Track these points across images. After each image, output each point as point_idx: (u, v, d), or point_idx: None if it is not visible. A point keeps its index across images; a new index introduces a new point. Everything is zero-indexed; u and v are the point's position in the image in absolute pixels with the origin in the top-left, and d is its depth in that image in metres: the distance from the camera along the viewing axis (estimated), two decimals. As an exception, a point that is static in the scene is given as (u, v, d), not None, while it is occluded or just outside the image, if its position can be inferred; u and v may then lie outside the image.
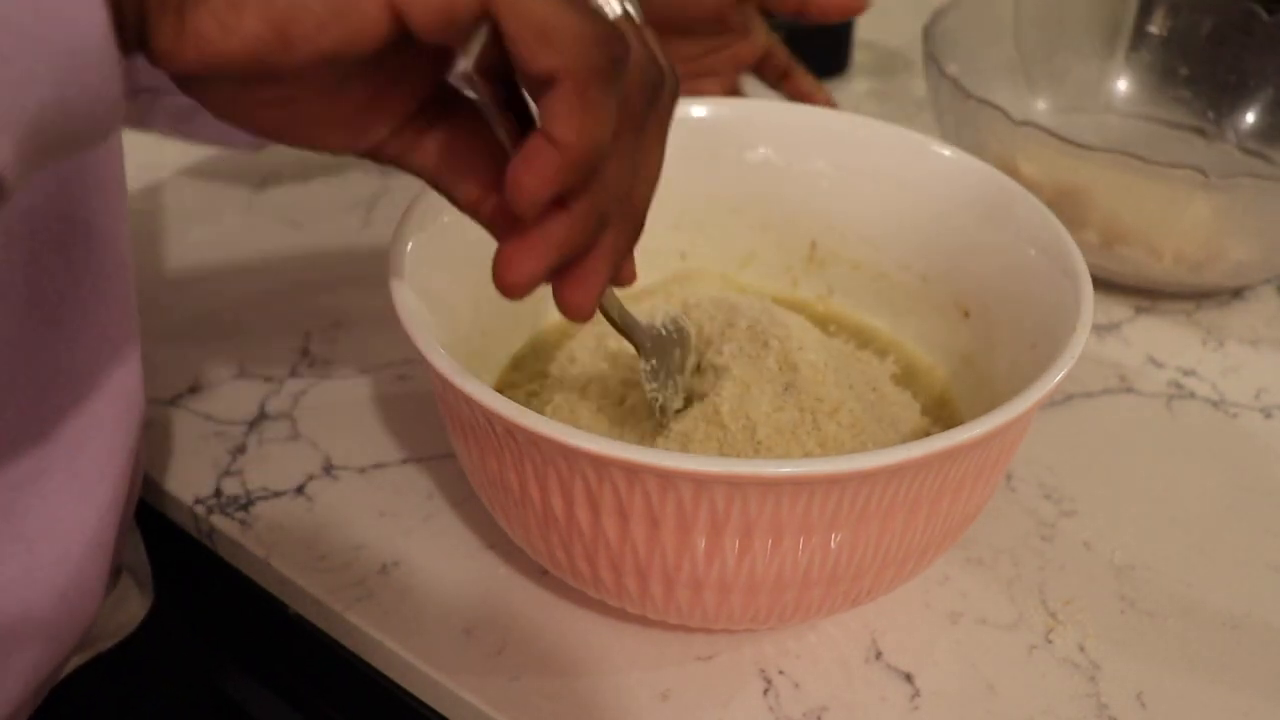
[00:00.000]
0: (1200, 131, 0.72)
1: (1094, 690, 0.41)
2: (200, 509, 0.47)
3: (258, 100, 0.27)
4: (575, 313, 0.31)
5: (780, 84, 0.64)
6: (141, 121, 0.53)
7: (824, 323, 0.50)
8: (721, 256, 0.52)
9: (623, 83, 0.28)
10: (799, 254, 0.52)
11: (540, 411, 0.42)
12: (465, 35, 0.26)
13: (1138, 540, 0.47)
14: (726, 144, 0.50)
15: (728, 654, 0.41)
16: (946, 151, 0.47)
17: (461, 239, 0.43)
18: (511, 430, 0.33)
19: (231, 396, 0.53)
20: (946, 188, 0.47)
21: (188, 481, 0.48)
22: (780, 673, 0.41)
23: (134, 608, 0.48)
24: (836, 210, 0.50)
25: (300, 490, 0.48)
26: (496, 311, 0.46)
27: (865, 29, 0.87)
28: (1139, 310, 0.61)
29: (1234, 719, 0.40)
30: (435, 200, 0.42)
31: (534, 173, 0.26)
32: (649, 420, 0.41)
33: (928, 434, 0.36)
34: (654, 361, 0.40)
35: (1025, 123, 0.56)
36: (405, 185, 0.68)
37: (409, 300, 0.37)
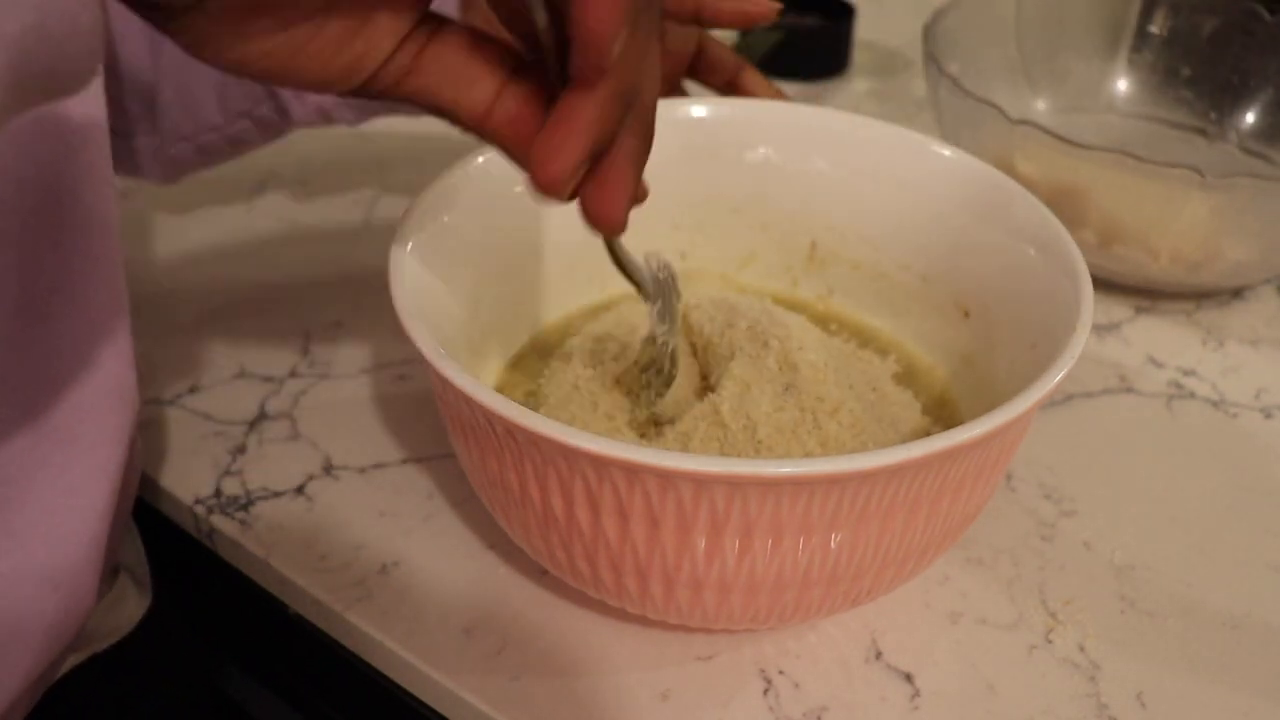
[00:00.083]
0: (1202, 132, 0.72)
1: (1094, 690, 0.41)
2: (200, 509, 0.47)
3: (250, 32, 0.27)
4: (609, 223, 0.30)
5: (730, 90, 0.59)
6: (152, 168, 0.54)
7: (824, 322, 0.50)
8: (721, 256, 0.52)
9: None
10: (799, 254, 0.52)
11: (537, 410, 0.43)
12: None
13: (1138, 540, 0.47)
14: (726, 144, 0.50)
15: (728, 654, 0.41)
16: (946, 151, 0.47)
17: (461, 239, 0.44)
18: (511, 430, 0.33)
19: (231, 396, 0.53)
20: (946, 188, 0.47)
21: (188, 481, 0.48)
22: (780, 673, 0.41)
23: (132, 607, 0.48)
24: (836, 210, 0.50)
25: (300, 490, 0.48)
26: (496, 311, 0.47)
27: (865, 29, 0.87)
28: (1139, 310, 0.61)
29: (1234, 719, 0.40)
30: (435, 200, 0.43)
31: (602, 6, 0.25)
32: (646, 411, 0.41)
33: (928, 434, 0.36)
34: (660, 304, 0.40)
35: (1022, 121, 0.56)
36: (405, 185, 0.69)
37: (409, 300, 0.37)
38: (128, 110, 0.52)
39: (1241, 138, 0.71)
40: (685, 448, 0.39)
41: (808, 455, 0.39)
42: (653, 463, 0.31)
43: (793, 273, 0.52)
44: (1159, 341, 0.58)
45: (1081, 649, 0.42)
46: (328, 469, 0.49)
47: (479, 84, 0.30)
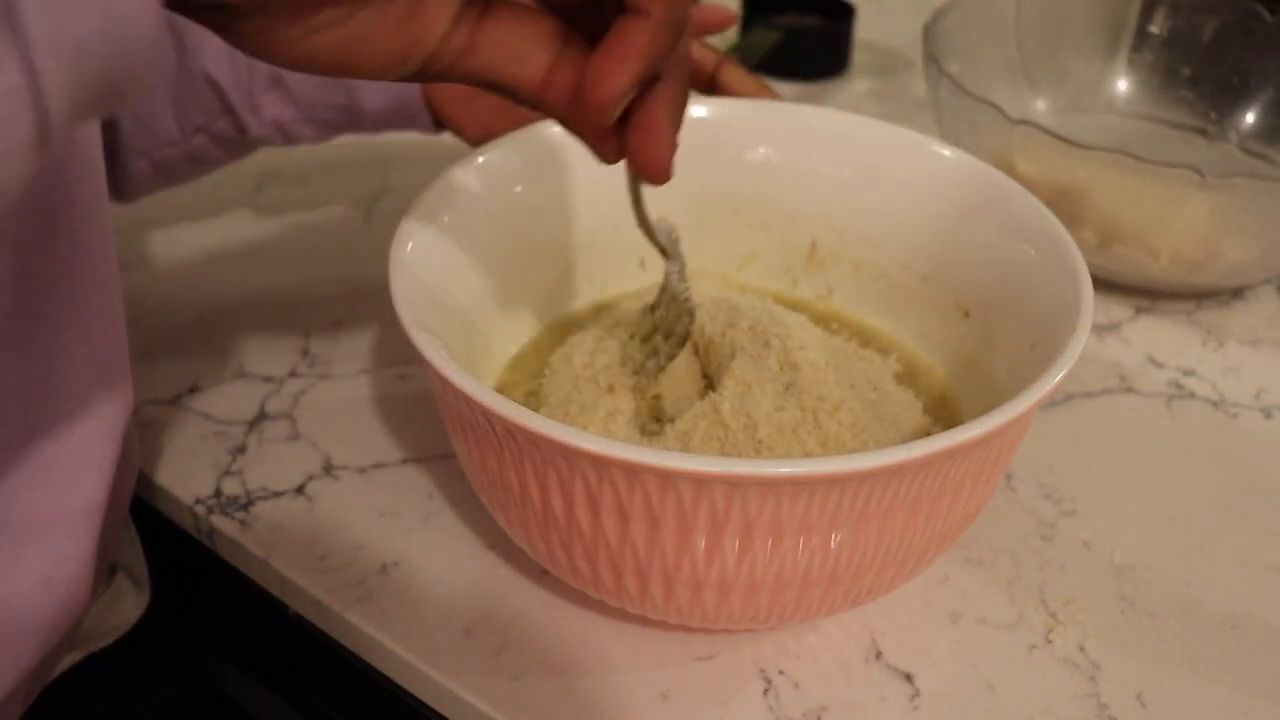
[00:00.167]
0: (1202, 132, 0.72)
1: (1094, 690, 0.41)
2: (200, 509, 0.47)
3: (317, 25, 0.28)
4: (657, 169, 0.32)
5: (712, 88, 0.56)
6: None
7: (825, 322, 0.50)
8: (721, 256, 0.52)
9: None
10: (799, 254, 0.52)
11: (538, 410, 0.43)
12: None
13: (1138, 540, 0.47)
14: (726, 144, 0.50)
15: (728, 654, 0.41)
16: (946, 151, 0.47)
17: (462, 239, 0.44)
18: (511, 430, 0.33)
19: (231, 396, 0.53)
20: (946, 188, 0.47)
21: (188, 481, 0.48)
22: (780, 673, 0.41)
23: (129, 606, 0.48)
24: (836, 210, 0.50)
25: (300, 490, 0.48)
26: (496, 311, 0.47)
27: (865, 29, 0.87)
28: (1139, 310, 0.61)
29: (1234, 719, 0.40)
30: (435, 200, 0.43)
31: None
32: (652, 386, 0.42)
33: (929, 433, 0.36)
34: (678, 264, 0.41)
35: (1022, 121, 0.56)
36: (405, 185, 0.69)
37: (409, 300, 0.37)
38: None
39: (1241, 138, 0.71)
40: (685, 447, 0.39)
41: (808, 455, 0.39)
42: (653, 463, 0.31)
43: (793, 273, 0.52)
44: (1159, 341, 0.58)
45: (1081, 649, 0.42)
46: (328, 469, 0.49)
47: (534, 57, 0.31)
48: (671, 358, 0.42)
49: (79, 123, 0.23)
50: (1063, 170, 0.57)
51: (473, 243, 0.44)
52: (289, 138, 0.54)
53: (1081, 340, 0.37)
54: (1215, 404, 0.55)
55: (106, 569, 0.46)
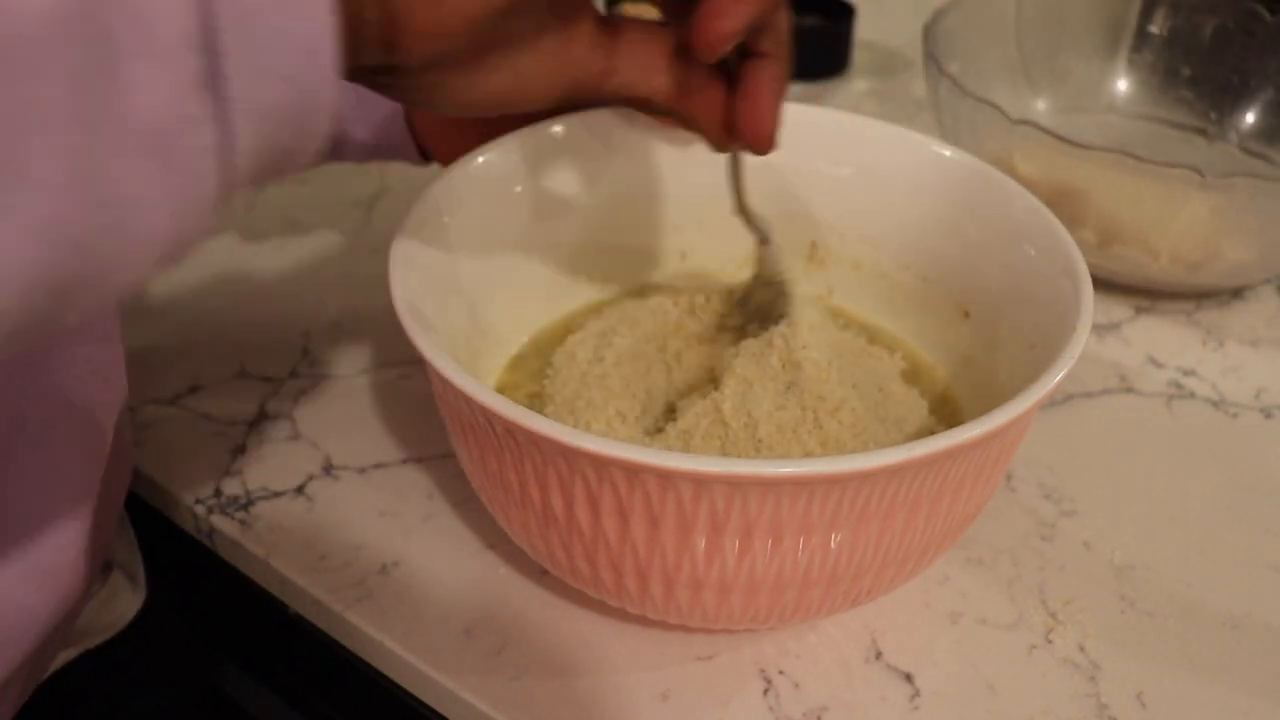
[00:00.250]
0: (1202, 132, 0.72)
1: (1094, 690, 0.41)
2: (200, 509, 0.47)
3: (482, 69, 0.29)
4: (764, 139, 0.36)
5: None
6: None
7: (831, 318, 0.50)
8: (721, 256, 0.52)
9: None
10: (799, 254, 0.52)
11: (544, 410, 0.43)
12: None
13: (1138, 540, 0.47)
14: (726, 144, 0.50)
15: (728, 654, 0.41)
16: (946, 151, 0.47)
17: (461, 239, 0.44)
18: (511, 430, 0.33)
19: (231, 396, 0.53)
20: (946, 188, 0.47)
21: (187, 481, 0.48)
22: (780, 673, 0.41)
23: (125, 604, 0.48)
24: (836, 210, 0.50)
25: (300, 490, 0.48)
26: (496, 311, 0.46)
27: (865, 29, 0.87)
28: (1139, 310, 0.61)
29: (1234, 719, 0.40)
30: (435, 200, 0.43)
31: None
32: (648, 416, 0.41)
33: (932, 433, 0.36)
34: (775, 249, 0.44)
35: (1022, 121, 0.56)
36: (405, 185, 0.69)
37: (409, 300, 0.37)
38: None
39: (1241, 138, 0.71)
40: (686, 446, 0.39)
41: (808, 455, 0.39)
42: (653, 462, 0.31)
43: (793, 273, 0.52)
44: (1159, 341, 0.58)
45: (1081, 649, 0.42)
46: (328, 469, 0.49)
47: (663, 71, 0.35)
48: (769, 322, 0.43)
49: (254, 185, 0.24)
50: (1063, 170, 0.57)
51: (472, 243, 0.44)
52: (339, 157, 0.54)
53: (1081, 340, 0.37)
54: (1215, 404, 0.55)
55: (102, 566, 0.46)
